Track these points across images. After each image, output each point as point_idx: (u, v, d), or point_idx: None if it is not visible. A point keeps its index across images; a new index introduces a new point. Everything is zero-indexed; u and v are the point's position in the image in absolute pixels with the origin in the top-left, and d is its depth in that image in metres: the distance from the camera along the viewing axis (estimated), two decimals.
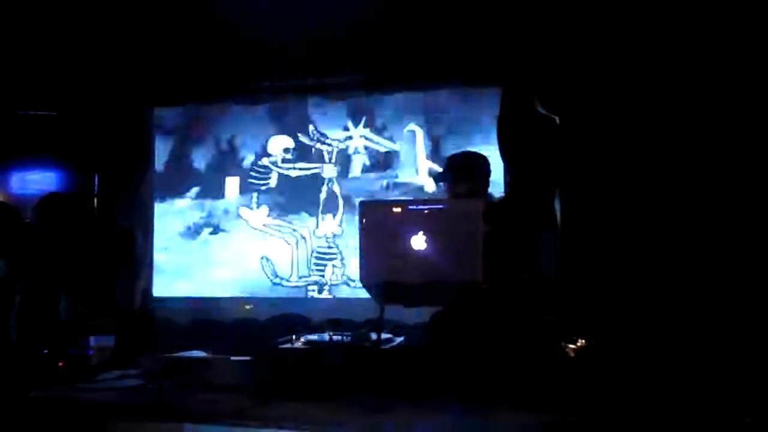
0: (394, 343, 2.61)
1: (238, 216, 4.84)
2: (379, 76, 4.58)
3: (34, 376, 2.68)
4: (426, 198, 4.30)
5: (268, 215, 4.77)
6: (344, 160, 4.66)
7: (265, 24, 4.24)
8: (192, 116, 5.03)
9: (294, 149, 4.77)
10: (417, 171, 4.51)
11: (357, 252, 2.49)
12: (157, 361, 2.73)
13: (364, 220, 2.46)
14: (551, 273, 2.96)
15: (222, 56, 4.61)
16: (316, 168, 4.73)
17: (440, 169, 3.63)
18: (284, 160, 4.78)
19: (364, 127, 4.64)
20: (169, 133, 5.08)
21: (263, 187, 4.81)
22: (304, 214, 4.70)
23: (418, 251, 2.37)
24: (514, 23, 4.07)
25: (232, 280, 4.84)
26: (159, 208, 5.01)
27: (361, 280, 2.46)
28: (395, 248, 2.39)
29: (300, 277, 4.68)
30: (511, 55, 4.14)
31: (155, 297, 4.87)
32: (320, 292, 4.65)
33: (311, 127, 4.74)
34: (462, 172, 3.06)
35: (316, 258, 4.66)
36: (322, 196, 4.69)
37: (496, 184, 3.62)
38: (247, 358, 2.65)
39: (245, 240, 4.82)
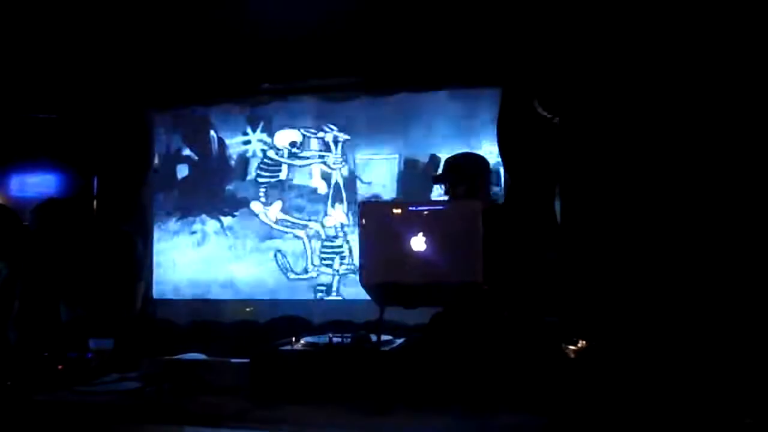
0: (394, 345, 2.60)
1: (250, 213, 4.85)
2: (376, 78, 4.59)
3: (34, 379, 2.67)
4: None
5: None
6: None
7: (265, 24, 4.25)
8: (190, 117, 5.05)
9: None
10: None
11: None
12: (156, 363, 2.72)
13: (363, 221, 2.46)
14: (552, 274, 2.96)
15: (222, 57, 4.62)
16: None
17: None
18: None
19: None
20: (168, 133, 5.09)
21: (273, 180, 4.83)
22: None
23: (418, 252, 2.37)
24: (514, 23, 4.08)
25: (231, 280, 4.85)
26: (159, 209, 5.02)
27: (361, 281, 2.46)
28: (395, 249, 2.39)
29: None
30: (510, 57, 4.14)
31: (155, 299, 4.88)
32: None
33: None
34: (461, 173, 3.06)
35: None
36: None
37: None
38: (247, 360, 2.63)
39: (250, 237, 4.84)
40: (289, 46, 4.42)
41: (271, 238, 4.82)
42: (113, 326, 3.14)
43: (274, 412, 2.35)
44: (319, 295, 4.71)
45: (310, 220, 4.78)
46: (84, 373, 2.78)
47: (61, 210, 3.59)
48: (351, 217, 4.68)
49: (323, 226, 4.73)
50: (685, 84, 3.73)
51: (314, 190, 4.78)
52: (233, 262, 4.85)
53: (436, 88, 4.56)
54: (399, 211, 2.45)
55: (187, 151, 5.05)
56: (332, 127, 4.77)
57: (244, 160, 4.91)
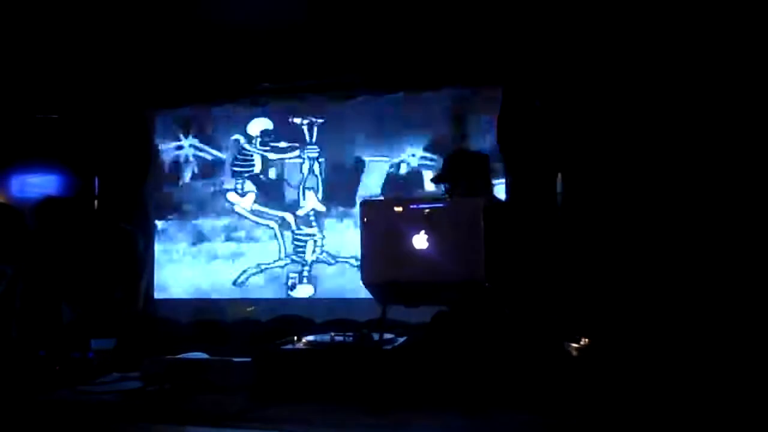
0: (396, 344, 2.60)
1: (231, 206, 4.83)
2: (378, 78, 4.59)
3: (35, 379, 2.67)
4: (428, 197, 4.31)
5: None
6: None
7: (264, 25, 4.24)
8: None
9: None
10: None
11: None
12: (157, 363, 2.72)
13: (365, 220, 2.45)
14: (553, 271, 2.95)
15: (221, 57, 4.61)
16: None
17: None
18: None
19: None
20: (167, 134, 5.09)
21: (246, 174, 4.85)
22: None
23: (420, 250, 2.36)
24: (514, 24, 4.07)
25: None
26: (158, 209, 5.02)
27: (363, 279, 2.45)
28: (396, 247, 2.38)
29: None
30: (511, 55, 4.14)
31: (156, 299, 4.88)
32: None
33: None
34: (462, 171, 3.05)
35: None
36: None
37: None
38: (248, 359, 2.63)
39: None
40: (290, 46, 4.42)
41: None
42: (115, 326, 3.14)
43: (277, 411, 2.35)
44: (291, 282, 4.74)
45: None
46: (86, 372, 2.78)
47: (62, 209, 3.59)
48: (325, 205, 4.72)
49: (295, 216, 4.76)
50: (685, 83, 3.72)
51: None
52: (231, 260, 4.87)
53: (436, 87, 4.55)
54: (400, 209, 2.45)
55: (187, 151, 5.05)
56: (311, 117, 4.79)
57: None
